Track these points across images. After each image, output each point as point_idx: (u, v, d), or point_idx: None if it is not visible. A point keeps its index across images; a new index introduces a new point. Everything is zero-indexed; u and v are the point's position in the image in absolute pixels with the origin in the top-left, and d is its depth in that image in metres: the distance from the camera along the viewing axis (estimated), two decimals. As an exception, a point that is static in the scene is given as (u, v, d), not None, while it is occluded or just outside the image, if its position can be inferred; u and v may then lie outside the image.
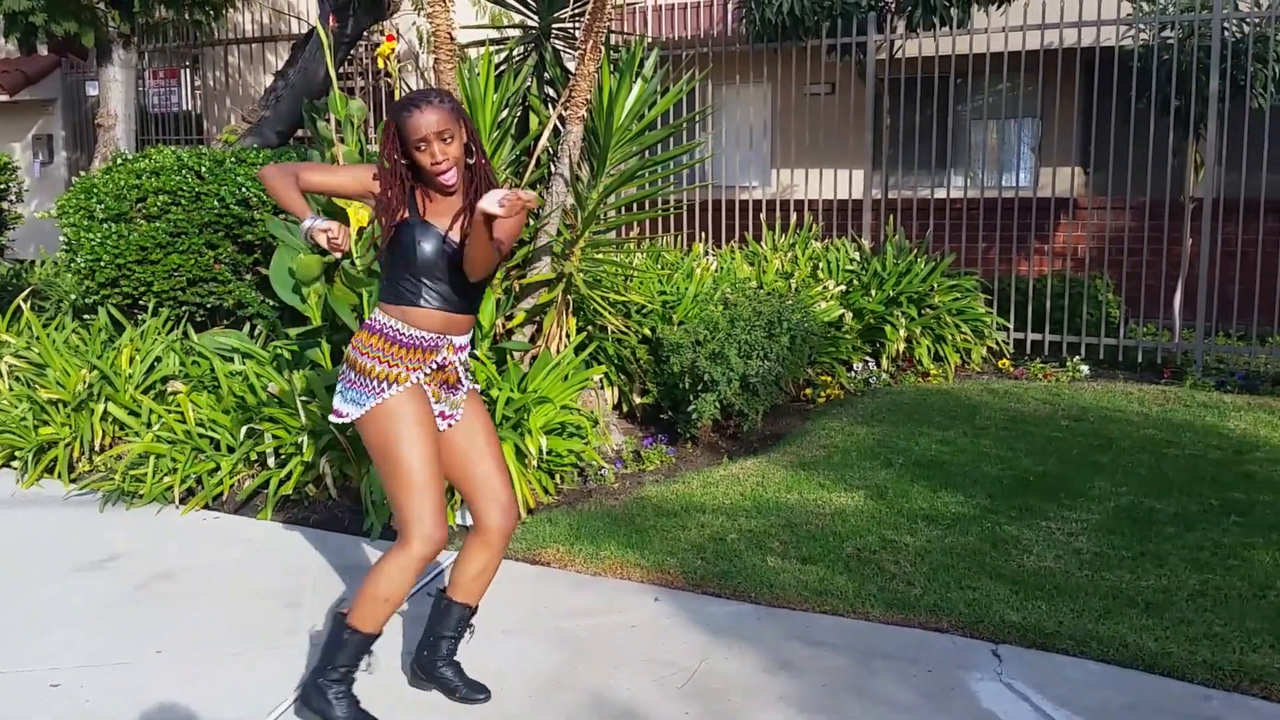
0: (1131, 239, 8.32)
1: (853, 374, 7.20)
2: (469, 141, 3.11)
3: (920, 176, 10.06)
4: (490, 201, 2.81)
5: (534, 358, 5.78)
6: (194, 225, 6.19)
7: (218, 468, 5.10)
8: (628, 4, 9.89)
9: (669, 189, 7.50)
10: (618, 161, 6.00)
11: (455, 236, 3.10)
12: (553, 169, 5.88)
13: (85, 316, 6.66)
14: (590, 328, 6.07)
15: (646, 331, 6.31)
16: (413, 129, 3.00)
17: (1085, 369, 7.59)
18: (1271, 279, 8.22)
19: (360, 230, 5.11)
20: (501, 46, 6.55)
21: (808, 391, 6.90)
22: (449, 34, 5.47)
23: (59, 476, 5.43)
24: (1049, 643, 3.67)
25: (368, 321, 3.20)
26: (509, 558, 4.47)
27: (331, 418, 3.25)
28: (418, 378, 3.13)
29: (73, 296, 6.78)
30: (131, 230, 6.21)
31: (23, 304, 6.59)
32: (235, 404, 5.24)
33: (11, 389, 5.79)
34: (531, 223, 5.88)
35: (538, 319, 5.89)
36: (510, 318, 5.76)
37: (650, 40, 6.83)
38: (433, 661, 3.40)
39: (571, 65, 6.30)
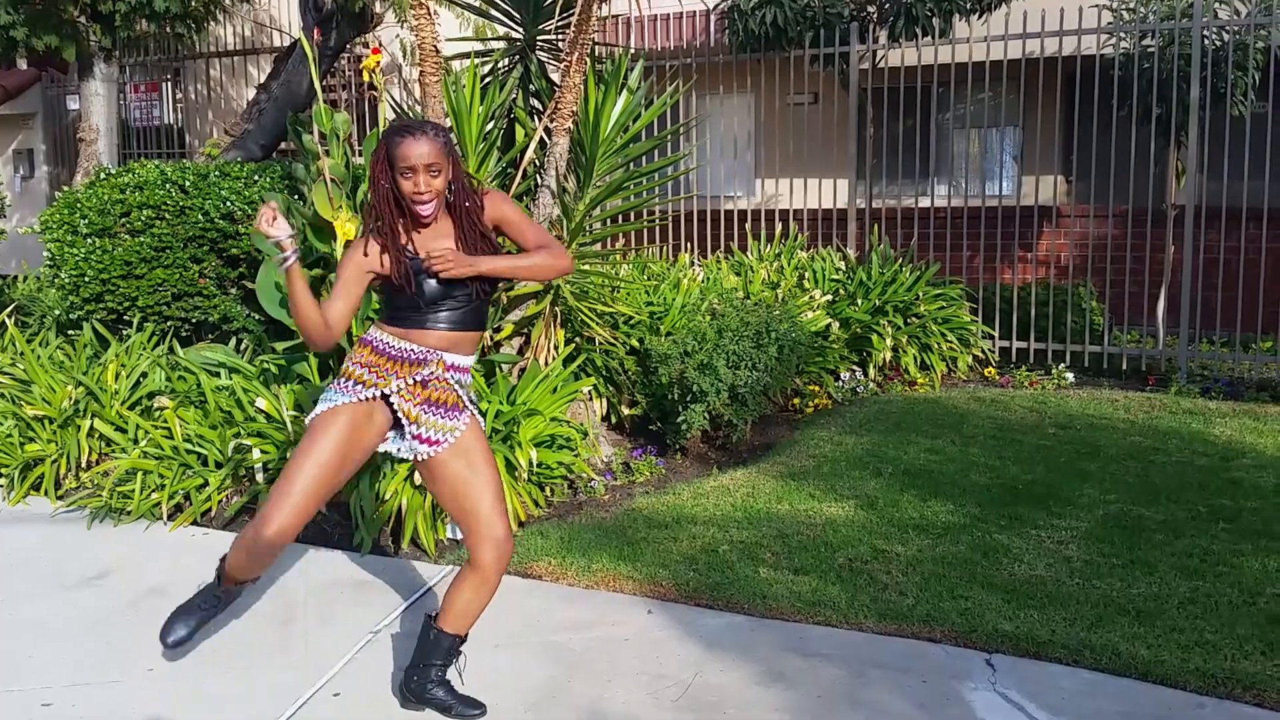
0: (1114, 246, 8.38)
1: (840, 383, 7.22)
2: (455, 180, 3.15)
3: (904, 186, 10.11)
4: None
5: (522, 370, 5.77)
6: (178, 240, 6.16)
7: (205, 483, 5.07)
8: (611, 16, 9.91)
9: (654, 200, 7.50)
10: (604, 173, 6.01)
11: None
12: (539, 181, 5.88)
13: (70, 332, 6.61)
14: (578, 339, 6.07)
15: (634, 343, 6.31)
16: (401, 156, 3.05)
17: (1070, 376, 7.63)
18: (1254, 286, 8.29)
19: (347, 243, 5.10)
20: (487, 59, 6.56)
21: (795, 401, 6.92)
22: (435, 46, 5.47)
23: (45, 493, 5.39)
24: (1042, 651, 3.69)
25: (364, 336, 3.28)
26: (501, 571, 4.46)
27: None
28: (397, 385, 3.17)
29: (56, 312, 6.73)
30: (116, 245, 6.18)
31: (6, 320, 6.53)
32: (222, 419, 5.21)
33: (-4, 406, 5.75)
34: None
35: (526, 331, 5.88)
36: (498, 330, 5.75)
37: (634, 52, 6.84)
38: (423, 685, 3.39)
39: (557, 77, 6.31)
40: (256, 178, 6.36)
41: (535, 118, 6.32)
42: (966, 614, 3.94)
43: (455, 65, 6.64)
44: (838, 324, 7.38)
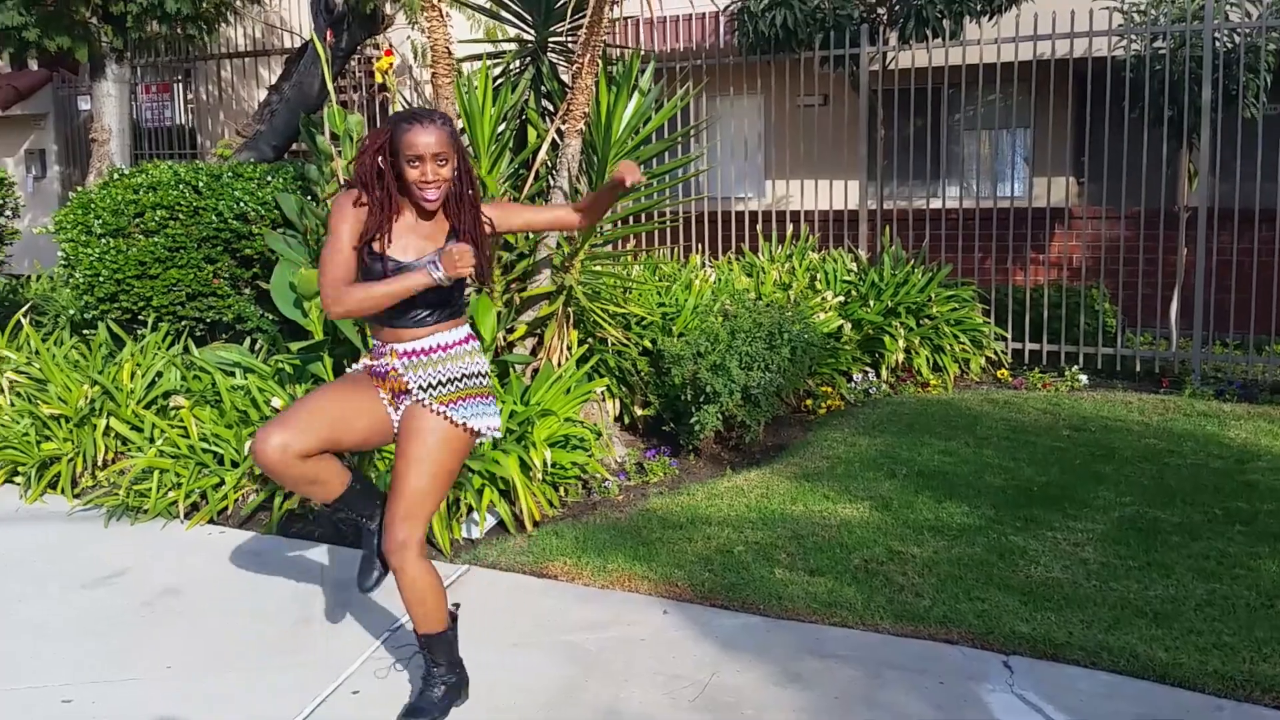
0: (1126, 248, 8.36)
1: (853, 385, 7.22)
2: (460, 172, 3.15)
3: (915, 187, 10.11)
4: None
5: (535, 370, 5.77)
6: (192, 240, 6.17)
7: (222, 482, 5.08)
8: (622, 18, 9.92)
9: (665, 201, 7.51)
10: (617, 174, 6.00)
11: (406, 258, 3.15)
12: (551, 182, 5.89)
13: (84, 332, 6.63)
14: (591, 340, 6.07)
15: (647, 343, 6.31)
16: (409, 144, 3.05)
17: (1084, 379, 7.62)
18: (1267, 288, 8.28)
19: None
20: (499, 60, 6.56)
21: (808, 402, 6.91)
22: (447, 48, 5.48)
23: (62, 492, 5.41)
24: (1060, 653, 3.68)
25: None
26: (516, 570, 4.48)
27: None
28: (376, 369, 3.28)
29: (70, 312, 6.75)
30: (130, 245, 6.20)
31: (22, 319, 6.55)
32: (238, 418, 5.22)
33: (13, 404, 5.77)
34: (531, 235, 5.88)
35: (539, 332, 5.89)
36: (511, 330, 5.76)
37: (645, 53, 6.85)
38: (424, 679, 3.40)
39: (568, 78, 6.32)
40: (270, 179, 6.38)
41: (547, 119, 6.32)
42: (983, 616, 3.93)
43: (466, 67, 6.65)
44: (850, 325, 7.38)
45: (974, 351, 7.79)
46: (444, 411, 3.20)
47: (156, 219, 6.17)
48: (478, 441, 3.38)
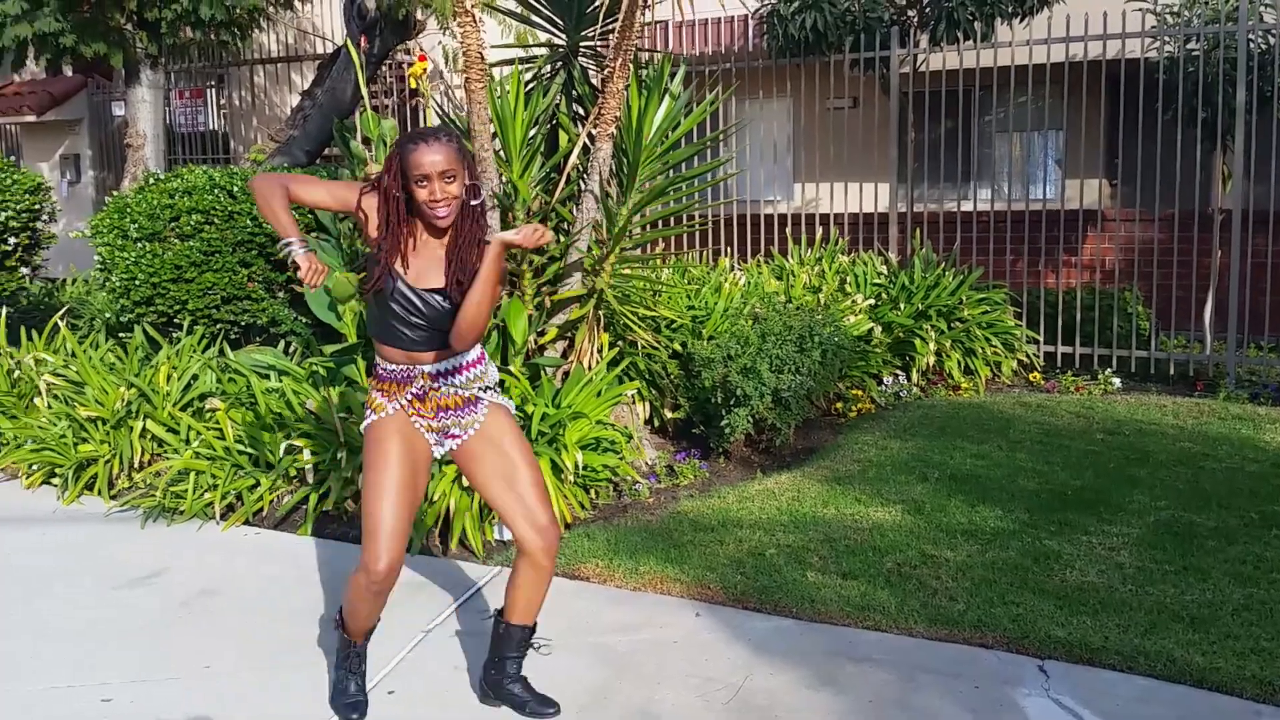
0: (1160, 251, 8.30)
1: (883, 388, 7.20)
2: (469, 185, 3.12)
3: (945, 189, 10.07)
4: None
5: (566, 373, 5.79)
6: (227, 244, 6.24)
7: (257, 484, 5.13)
8: (654, 22, 9.94)
9: (695, 205, 7.51)
10: (646, 178, 6.03)
11: (431, 286, 3.13)
12: (582, 186, 5.91)
13: (120, 335, 6.70)
14: (621, 343, 6.09)
15: (677, 346, 6.32)
16: (415, 164, 3.03)
17: (1117, 382, 7.57)
18: (1302, 290, 8.19)
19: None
20: (530, 65, 6.59)
21: (838, 405, 6.90)
22: (479, 53, 5.50)
23: (99, 493, 5.47)
24: (1096, 658, 3.66)
25: (373, 367, 3.36)
26: (549, 573, 4.49)
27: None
28: (394, 408, 3.22)
29: (106, 315, 6.83)
30: (165, 249, 6.27)
31: (60, 322, 6.63)
32: (273, 420, 5.27)
33: (50, 407, 5.84)
34: (562, 239, 5.91)
35: (570, 334, 5.91)
36: (542, 334, 5.78)
37: (675, 57, 6.86)
38: (499, 680, 3.43)
39: (599, 82, 6.34)
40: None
41: (578, 123, 6.34)
42: (1018, 620, 3.91)
43: (497, 72, 6.68)
44: (880, 328, 7.36)
45: (1006, 354, 7.75)
46: (500, 403, 3.31)
47: (192, 223, 6.24)
48: None
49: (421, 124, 10.43)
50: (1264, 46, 7.65)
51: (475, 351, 3.30)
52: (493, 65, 6.57)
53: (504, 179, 5.78)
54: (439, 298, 3.12)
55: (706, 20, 10.39)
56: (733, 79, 9.17)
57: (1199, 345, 8.06)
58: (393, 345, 3.20)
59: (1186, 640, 3.75)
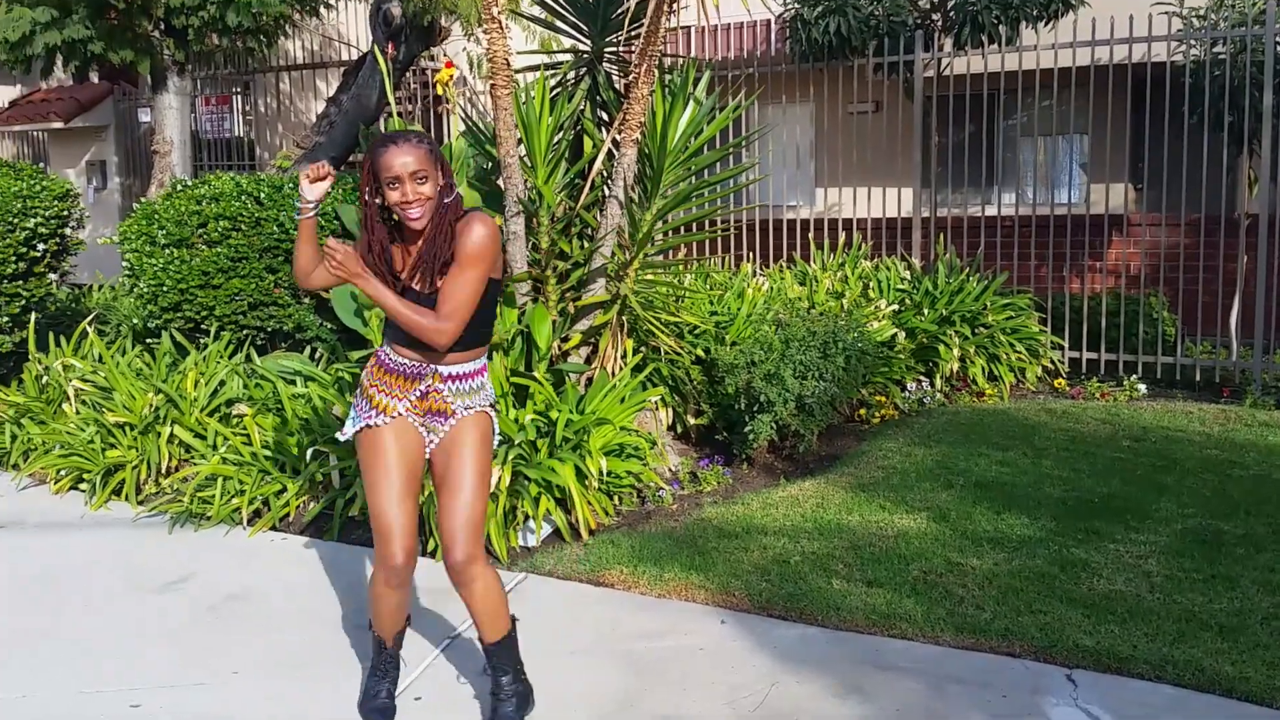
0: (1186, 256, 8.25)
1: (907, 394, 7.18)
2: (444, 187, 3.12)
3: (969, 194, 10.03)
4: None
5: (590, 379, 5.80)
6: (254, 250, 6.27)
7: (284, 489, 5.16)
8: (679, 27, 9.95)
9: (718, 210, 7.51)
10: (671, 184, 6.03)
11: (420, 288, 3.15)
12: (607, 191, 5.92)
13: (147, 340, 6.75)
14: (644, 349, 6.09)
15: (700, 352, 6.32)
16: (385, 166, 3.03)
17: (1143, 388, 7.52)
18: (1330, 295, 8.12)
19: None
20: (555, 71, 6.61)
21: (862, 412, 6.89)
22: (506, 59, 5.52)
23: (127, 498, 5.51)
24: (1124, 667, 3.64)
25: (376, 351, 3.36)
26: (574, 578, 4.50)
27: (338, 434, 3.44)
28: (404, 407, 3.24)
29: (133, 321, 6.88)
30: (193, 255, 6.31)
31: (88, 328, 6.69)
32: (300, 426, 5.30)
33: (79, 412, 5.89)
34: (586, 245, 5.92)
35: (593, 340, 5.92)
36: (566, 339, 5.79)
37: (700, 63, 6.86)
38: (492, 699, 3.40)
39: (623, 88, 6.35)
40: (329, 190, 6.46)
41: (603, 129, 6.36)
42: (1046, 629, 3.90)
43: (521, 78, 6.70)
44: (904, 334, 7.34)
45: (1030, 360, 7.72)
46: (478, 412, 3.30)
47: (219, 229, 6.28)
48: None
49: (447, 130, 10.48)
50: (1292, 50, 7.59)
51: (480, 361, 3.32)
52: (518, 71, 6.58)
53: (529, 184, 5.80)
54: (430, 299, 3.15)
55: (729, 25, 10.39)
56: (755, 84, 9.17)
57: (1225, 351, 8.01)
58: (408, 346, 3.23)
59: (1215, 649, 3.73)
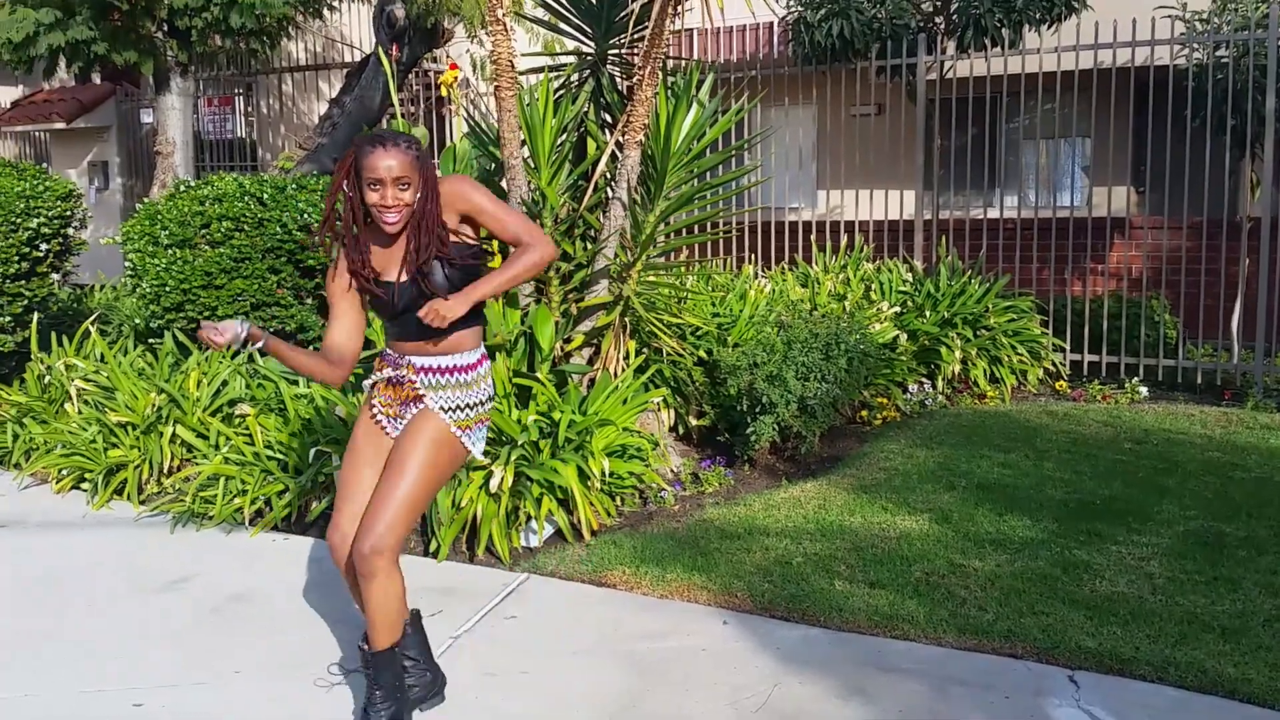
0: (1187, 259, 8.26)
1: (908, 396, 7.18)
2: (425, 193, 3.11)
3: (971, 197, 10.04)
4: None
5: (592, 381, 5.81)
6: (257, 251, 6.28)
7: (286, 489, 5.16)
8: (683, 29, 9.96)
9: (720, 212, 7.52)
10: (674, 185, 6.04)
11: (400, 279, 3.16)
12: (610, 193, 5.93)
13: (149, 341, 6.76)
14: (646, 350, 6.10)
15: (702, 354, 6.32)
16: (369, 167, 3.02)
17: (1144, 391, 7.53)
18: (1332, 299, 8.12)
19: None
20: (559, 73, 6.62)
21: (863, 414, 6.89)
22: (510, 61, 5.53)
23: (129, 498, 5.51)
24: (1126, 669, 3.64)
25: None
26: (576, 579, 4.51)
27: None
28: (372, 387, 3.34)
29: (135, 321, 6.89)
30: (196, 256, 6.32)
31: (91, 328, 6.69)
32: (302, 426, 5.30)
33: (81, 412, 5.90)
34: (589, 246, 5.92)
35: (596, 342, 5.92)
36: (569, 340, 5.79)
37: (703, 65, 6.87)
38: (367, 702, 3.30)
39: (626, 90, 6.35)
40: (332, 190, 6.47)
41: (606, 131, 6.37)
42: (1048, 630, 3.90)
43: (525, 80, 6.70)
44: (906, 336, 7.35)
45: (1032, 363, 7.72)
46: (449, 421, 3.24)
47: (222, 230, 6.29)
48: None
49: (449, 132, 10.49)
50: (1294, 54, 7.59)
51: (472, 356, 3.29)
52: (522, 73, 6.59)
53: (533, 186, 5.81)
54: (411, 289, 3.15)
55: (732, 28, 10.41)
56: (758, 86, 9.18)
57: (1226, 354, 8.01)
58: (395, 340, 3.29)
59: (1218, 651, 3.73)
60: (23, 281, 6.97)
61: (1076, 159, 9.94)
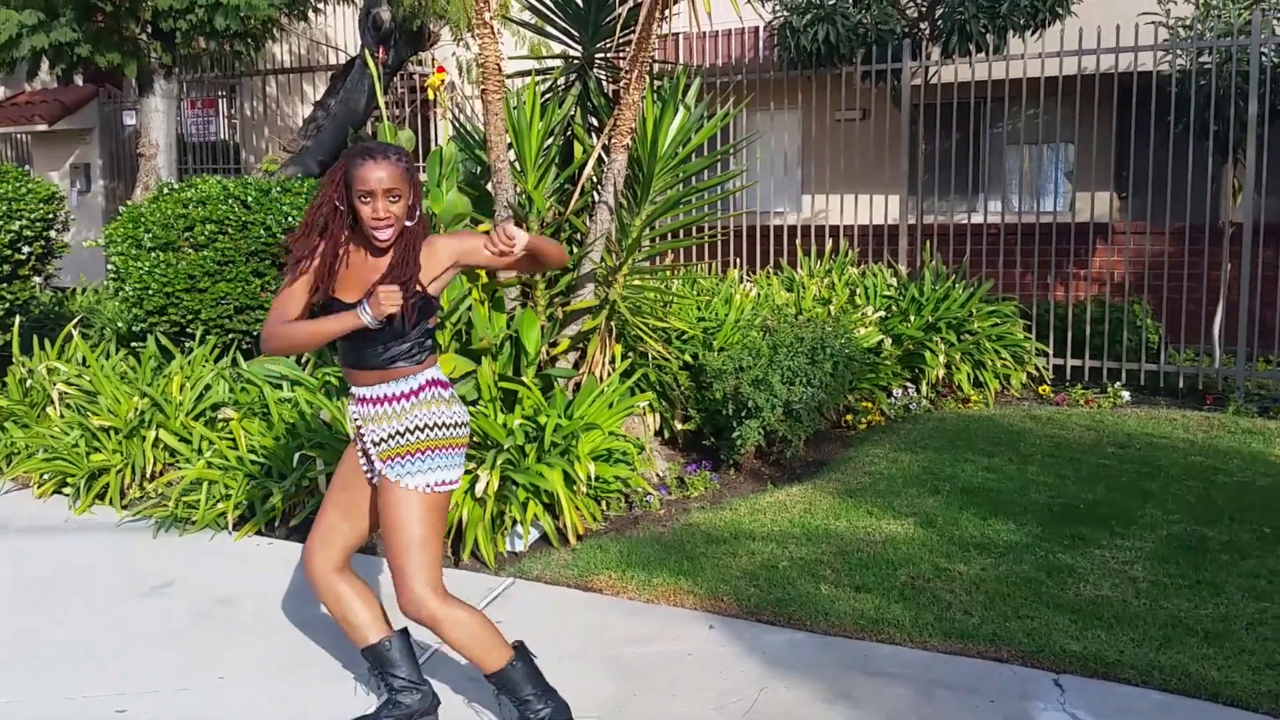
0: (1169, 264, 8.31)
1: (893, 400, 7.20)
2: (415, 207, 3.08)
3: (955, 202, 10.08)
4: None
5: (578, 385, 5.80)
6: (241, 254, 6.26)
7: (270, 494, 5.13)
8: (670, 34, 9.97)
9: (706, 216, 7.53)
10: (660, 189, 6.04)
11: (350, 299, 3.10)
12: (596, 197, 5.93)
13: (132, 344, 6.73)
14: (632, 354, 6.10)
15: (688, 358, 6.32)
16: (361, 179, 2.98)
17: (1126, 395, 7.57)
18: (1312, 304, 8.18)
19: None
20: (546, 76, 6.62)
21: (848, 418, 6.90)
22: (497, 64, 5.53)
23: (111, 503, 5.48)
24: (1111, 672, 3.66)
25: None
26: (561, 583, 4.50)
27: None
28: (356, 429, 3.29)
29: (118, 324, 6.85)
30: (179, 259, 6.29)
31: (73, 331, 6.65)
32: (286, 430, 5.28)
33: (63, 416, 5.86)
34: (575, 250, 5.92)
35: (582, 346, 5.92)
36: (555, 344, 5.79)
37: (690, 69, 6.88)
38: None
39: (613, 94, 6.36)
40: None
41: (593, 134, 6.36)
42: (1033, 634, 3.91)
43: (512, 83, 6.70)
44: (890, 340, 7.37)
45: (1015, 367, 7.75)
46: (397, 479, 3.09)
47: (206, 233, 6.26)
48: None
49: (435, 135, 10.48)
50: (1276, 60, 7.65)
51: (410, 384, 3.13)
52: (509, 76, 6.59)
53: (519, 189, 5.80)
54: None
55: (719, 32, 10.43)
56: (744, 90, 9.20)
57: (1208, 359, 8.06)
58: (339, 359, 3.24)
59: (1201, 654, 3.75)
60: (4, 284, 6.93)
61: (1060, 164, 9.99)
